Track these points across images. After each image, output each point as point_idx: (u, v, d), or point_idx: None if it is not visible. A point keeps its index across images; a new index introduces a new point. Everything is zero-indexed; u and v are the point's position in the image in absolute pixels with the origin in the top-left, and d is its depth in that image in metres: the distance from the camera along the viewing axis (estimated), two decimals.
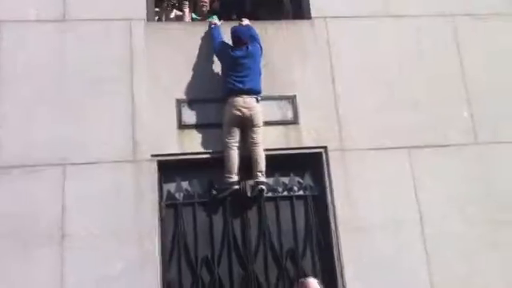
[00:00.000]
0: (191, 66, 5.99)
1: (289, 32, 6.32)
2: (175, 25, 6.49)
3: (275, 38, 6.25)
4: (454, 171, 5.96)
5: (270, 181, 5.83)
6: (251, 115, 5.67)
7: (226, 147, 5.65)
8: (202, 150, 5.72)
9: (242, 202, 5.71)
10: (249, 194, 5.68)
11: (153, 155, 5.62)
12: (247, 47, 5.87)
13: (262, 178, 5.59)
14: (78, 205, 5.35)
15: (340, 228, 5.63)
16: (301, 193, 5.85)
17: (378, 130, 6.02)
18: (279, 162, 5.84)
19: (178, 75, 5.92)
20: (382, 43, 6.35)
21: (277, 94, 6.04)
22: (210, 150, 5.75)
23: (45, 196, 5.34)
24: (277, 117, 5.98)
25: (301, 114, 6.00)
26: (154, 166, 5.59)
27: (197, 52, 6.06)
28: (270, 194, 5.79)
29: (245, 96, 5.70)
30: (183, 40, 6.09)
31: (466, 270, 5.62)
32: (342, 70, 6.21)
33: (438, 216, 5.79)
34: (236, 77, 5.72)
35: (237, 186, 5.60)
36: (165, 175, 5.67)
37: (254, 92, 5.77)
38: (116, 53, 5.91)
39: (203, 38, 6.12)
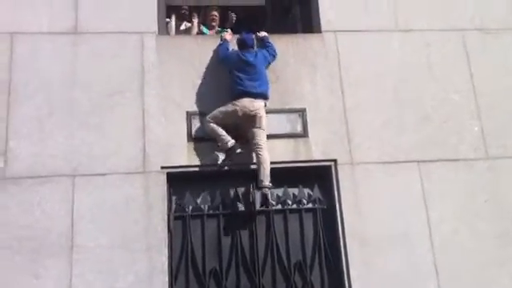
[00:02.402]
0: (202, 79, 6.03)
1: (299, 46, 6.35)
2: (187, 38, 6.54)
3: (286, 52, 6.28)
4: (463, 186, 5.95)
5: (280, 192, 5.85)
6: (256, 115, 5.65)
7: (206, 124, 5.70)
8: (210, 162, 5.74)
9: (250, 215, 5.71)
10: (257, 207, 5.64)
11: (163, 167, 5.65)
12: (256, 52, 5.95)
13: (267, 183, 5.55)
14: (87, 216, 5.39)
15: (348, 241, 5.62)
16: (310, 205, 5.86)
17: (388, 144, 6.03)
18: (288, 175, 5.86)
19: (189, 88, 5.97)
20: (391, 57, 6.37)
21: (286, 107, 6.07)
22: (219, 163, 5.75)
23: (55, 207, 5.38)
24: (286, 130, 6.00)
25: (310, 127, 6.02)
26: (164, 177, 5.62)
27: (208, 65, 6.09)
28: (279, 207, 5.81)
29: (253, 99, 5.71)
30: (195, 53, 6.13)
31: (474, 284, 5.60)
32: (352, 84, 6.22)
33: (447, 231, 5.77)
34: (247, 80, 5.75)
35: (233, 141, 5.63)
36: (174, 187, 5.70)
37: (264, 96, 5.81)
38: (127, 66, 5.96)
39: (214, 51, 6.15)
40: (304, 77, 6.21)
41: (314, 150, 5.94)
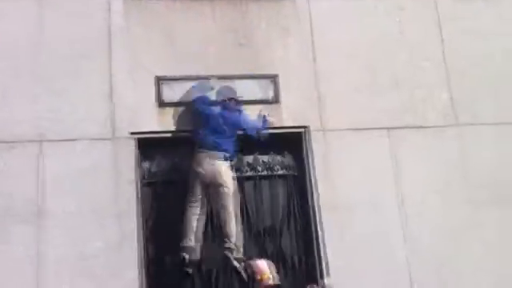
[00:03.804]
0: (171, 43, 5.90)
1: (271, 9, 6.23)
2: (155, 0, 6.35)
3: (257, 17, 6.17)
4: (433, 152, 5.98)
5: (250, 159, 5.81)
6: (214, 173, 5.28)
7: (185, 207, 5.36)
8: (181, 127, 5.66)
9: None
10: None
11: (132, 133, 5.55)
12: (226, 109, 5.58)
13: (228, 245, 5.21)
14: (55, 182, 5.28)
15: (320, 207, 5.63)
16: (281, 172, 5.84)
17: (359, 110, 6.01)
18: (260, 142, 5.78)
19: (158, 52, 5.84)
20: (364, 22, 6.30)
21: (258, 73, 5.98)
22: (190, 128, 5.67)
23: (22, 173, 5.25)
24: (258, 96, 5.94)
25: (282, 93, 5.95)
26: (133, 143, 5.53)
27: (177, 29, 5.96)
28: (250, 173, 5.78)
29: (210, 152, 5.36)
30: (163, 16, 5.98)
31: (446, 250, 5.67)
32: (324, 49, 6.16)
33: (417, 196, 5.81)
34: (206, 131, 5.43)
35: (193, 254, 5.26)
36: (143, 153, 5.61)
37: (222, 149, 5.39)
38: (94, 29, 5.79)
39: (183, 14, 6.01)
40: (276, 41, 6.12)
41: (286, 117, 5.90)
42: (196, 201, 5.33)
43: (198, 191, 5.33)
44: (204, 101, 5.61)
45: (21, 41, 5.64)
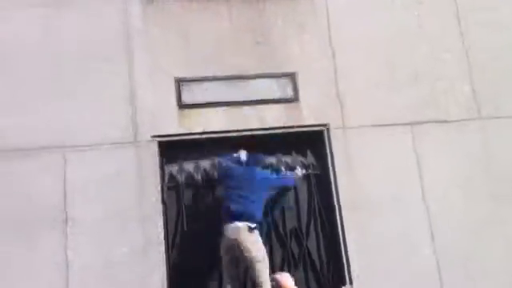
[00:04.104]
0: (189, 44, 5.86)
1: (287, 7, 6.17)
2: (171, 2, 6.30)
3: (273, 14, 6.12)
4: (456, 146, 5.92)
5: (272, 160, 5.77)
6: (242, 248, 4.85)
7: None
8: (202, 129, 5.64)
9: None
10: None
11: (153, 136, 5.53)
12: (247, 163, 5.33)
13: None
14: (79, 188, 5.27)
15: (343, 206, 5.60)
16: (303, 171, 5.78)
17: (380, 106, 5.95)
18: (280, 141, 5.78)
19: (176, 54, 5.81)
20: (381, 16, 6.23)
21: (276, 71, 5.94)
22: (211, 129, 5.66)
23: (46, 180, 5.26)
24: (276, 95, 5.89)
25: (301, 91, 5.91)
26: (155, 146, 5.51)
27: (194, 29, 5.92)
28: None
29: (233, 224, 4.95)
30: (181, 17, 5.94)
31: (470, 246, 5.62)
32: (342, 45, 6.10)
33: (440, 192, 5.75)
34: (229, 196, 5.11)
35: None
36: (166, 156, 5.59)
37: (247, 218, 4.97)
38: (112, 32, 5.77)
39: (200, 15, 5.97)
40: (293, 39, 6.06)
41: (306, 115, 5.85)
42: (232, 279, 5.01)
43: (231, 268, 5.00)
44: (229, 159, 5.40)
45: (41, 46, 5.63)
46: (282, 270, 5.37)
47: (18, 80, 5.52)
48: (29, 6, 5.72)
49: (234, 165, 5.32)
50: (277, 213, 5.65)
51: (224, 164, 5.39)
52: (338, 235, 5.55)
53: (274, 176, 5.44)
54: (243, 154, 5.42)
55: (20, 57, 5.59)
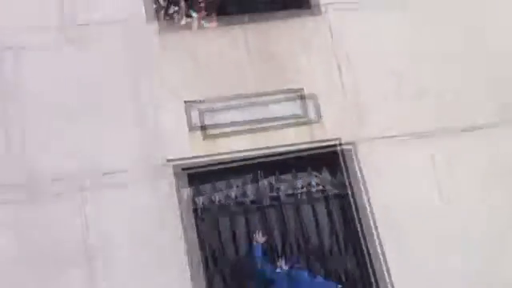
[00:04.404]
0: (198, 69, 5.84)
1: (292, 24, 6.17)
2: (186, 32, 6.25)
3: (279, 32, 6.11)
4: (479, 152, 5.86)
5: (289, 177, 5.73)
6: None
7: None
8: (218, 152, 5.59)
9: (262, 203, 5.64)
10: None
11: (168, 160, 5.49)
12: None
13: None
14: (101, 224, 5.22)
15: (364, 220, 5.53)
16: (321, 188, 5.75)
17: (392, 118, 5.91)
18: (296, 159, 5.72)
19: (190, 79, 5.78)
20: (387, 29, 6.20)
21: (286, 88, 5.90)
22: (224, 151, 5.61)
23: (67, 217, 5.19)
24: (295, 115, 5.85)
25: (320, 110, 5.87)
26: (170, 170, 5.46)
27: (204, 54, 5.91)
28: (289, 192, 5.69)
29: None
30: (190, 43, 5.95)
31: (497, 252, 5.57)
32: (350, 59, 6.08)
33: (466, 200, 5.69)
34: None
35: None
36: (182, 179, 5.51)
37: None
38: (122, 59, 5.74)
39: (214, 43, 5.97)
40: (305, 61, 6.04)
41: (326, 133, 5.80)
42: None
43: None
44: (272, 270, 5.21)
45: (47, 81, 5.57)
46: None
47: (36, 118, 5.48)
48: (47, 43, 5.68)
49: (277, 275, 5.16)
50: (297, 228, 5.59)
51: (268, 276, 5.17)
52: (363, 250, 5.49)
53: (320, 280, 5.28)
54: (283, 264, 5.24)
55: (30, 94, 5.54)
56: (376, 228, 5.51)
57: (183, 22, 6.57)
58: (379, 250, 5.45)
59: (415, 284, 5.36)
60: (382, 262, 5.41)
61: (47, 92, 5.53)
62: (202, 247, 5.40)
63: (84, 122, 5.48)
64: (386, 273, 5.39)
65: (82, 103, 5.53)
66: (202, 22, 6.61)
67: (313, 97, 5.92)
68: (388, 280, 5.39)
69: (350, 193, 5.67)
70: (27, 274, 5.00)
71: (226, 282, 5.39)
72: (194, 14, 6.68)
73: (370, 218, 5.55)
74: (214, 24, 6.48)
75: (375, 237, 5.49)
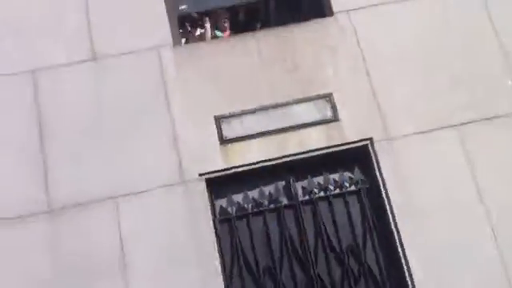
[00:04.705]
0: (222, 82, 6.01)
1: (314, 31, 6.27)
2: (201, 44, 6.54)
3: (303, 40, 6.22)
4: (505, 142, 5.76)
5: (320, 180, 5.80)
6: None
7: None
8: (246, 161, 5.72)
9: (294, 207, 5.70)
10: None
11: (200, 174, 5.65)
12: None
13: None
14: (135, 235, 5.41)
15: (397, 216, 5.51)
16: (353, 188, 5.78)
17: (422, 113, 5.89)
18: (326, 161, 5.80)
19: (212, 93, 5.95)
20: (408, 25, 6.22)
21: (313, 94, 5.99)
22: (254, 161, 5.74)
23: (102, 231, 5.42)
24: (316, 117, 5.93)
25: (340, 110, 5.93)
26: (203, 184, 5.62)
27: (225, 67, 6.07)
28: (322, 194, 5.76)
29: None
30: (211, 57, 6.12)
31: None
32: (374, 59, 6.11)
33: (497, 190, 5.58)
34: None
35: None
36: (215, 192, 5.70)
37: None
38: (149, 82, 5.99)
39: (230, 52, 6.14)
40: (325, 62, 6.12)
41: (348, 132, 5.85)
42: None
43: None
44: None
45: (81, 107, 5.89)
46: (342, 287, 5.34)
47: (67, 140, 5.78)
48: (69, 68, 6.03)
49: None
50: (331, 231, 5.63)
51: None
52: (397, 247, 5.45)
53: None
54: None
55: (67, 119, 5.87)
56: (395, 222, 5.50)
57: (197, 33, 6.85)
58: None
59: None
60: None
61: (82, 116, 5.86)
62: (237, 256, 5.54)
63: (117, 145, 5.75)
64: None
65: (114, 127, 5.83)
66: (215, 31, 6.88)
67: (339, 98, 5.98)
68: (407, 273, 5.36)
69: (383, 190, 5.66)
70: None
71: None
72: (220, 34, 6.95)
73: (389, 213, 5.53)
74: (226, 33, 6.72)
75: (394, 230, 5.48)
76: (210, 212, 5.54)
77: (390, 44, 6.17)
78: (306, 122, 5.89)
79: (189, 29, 6.91)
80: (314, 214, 5.69)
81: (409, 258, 5.38)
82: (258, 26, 6.91)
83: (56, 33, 6.17)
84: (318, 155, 5.78)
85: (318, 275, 5.44)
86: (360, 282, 5.47)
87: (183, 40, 6.65)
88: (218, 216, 5.63)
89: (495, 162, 5.70)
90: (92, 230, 5.41)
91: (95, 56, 6.11)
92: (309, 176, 5.80)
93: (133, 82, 5.98)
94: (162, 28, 6.23)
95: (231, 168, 5.72)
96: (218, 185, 5.68)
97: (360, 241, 5.60)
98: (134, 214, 5.49)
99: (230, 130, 5.85)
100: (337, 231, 5.63)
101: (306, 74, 6.07)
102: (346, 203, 5.73)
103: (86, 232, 5.40)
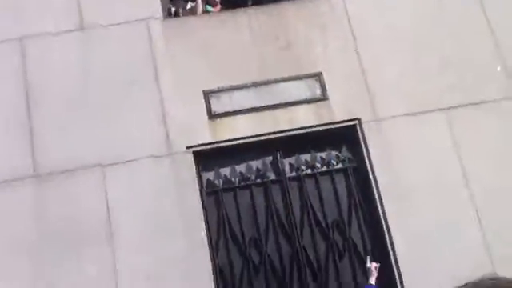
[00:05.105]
0: (212, 57, 5.98)
1: (306, 10, 6.26)
2: (191, 18, 6.49)
3: (294, 17, 6.20)
4: (492, 127, 5.81)
5: (308, 157, 5.80)
6: None
7: None
8: (234, 136, 5.71)
9: (281, 182, 5.70)
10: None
11: (188, 147, 5.63)
12: None
13: None
14: (122, 203, 5.40)
15: (383, 195, 5.55)
16: (340, 166, 5.80)
17: (410, 95, 5.92)
18: (314, 139, 5.80)
19: (201, 67, 5.92)
20: (401, 5, 6.22)
21: (303, 73, 5.98)
22: (242, 135, 5.74)
23: (89, 198, 5.40)
24: (306, 95, 5.93)
25: (329, 89, 5.93)
26: (191, 157, 5.61)
27: (215, 42, 6.04)
28: (309, 171, 5.76)
29: None
30: (201, 32, 6.09)
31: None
32: (364, 39, 6.12)
33: (482, 174, 5.62)
34: None
35: None
36: (202, 165, 5.68)
37: None
38: (138, 54, 5.95)
39: (220, 28, 6.11)
40: (316, 40, 6.12)
41: (337, 112, 5.87)
42: None
43: None
44: None
45: (69, 76, 5.83)
46: (326, 261, 5.35)
47: (56, 109, 5.72)
48: (58, 37, 5.95)
49: None
50: (317, 206, 5.64)
51: None
52: (381, 224, 5.49)
53: None
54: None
55: (55, 88, 5.81)
56: (381, 201, 5.53)
57: (188, 6, 6.80)
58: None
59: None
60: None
61: (70, 85, 5.78)
62: (223, 228, 5.53)
63: (106, 115, 5.69)
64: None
65: (103, 96, 5.77)
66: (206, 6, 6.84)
67: (329, 77, 5.98)
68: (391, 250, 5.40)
69: (370, 169, 5.69)
70: (47, 253, 5.20)
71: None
72: (210, 9, 6.90)
73: (375, 191, 5.57)
74: (217, 8, 6.69)
75: (380, 209, 5.52)
76: (197, 184, 5.54)
77: (382, 24, 6.18)
78: (295, 99, 5.89)
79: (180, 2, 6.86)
80: (301, 189, 5.71)
81: (393, 234, 5.42)
82: (250, 2, 6.87)
83: (45, 1, 6.08)
84: (306, 133, 5.79)
85: (303, 248, 5.47)
86: (344, 256, 5.51)
87: (173, 13, 6.60)
88: (204, 188, 5.62)
89: (481, 146, 5.75)
90: (79, 197, 5.38)
91: (84, 26, 6.05)
92: (296, 153, 5.80)
93: (121, 54, 5.94)
94: (153, 0, 6.17)
95: (219, 142, 5.71)
96: (206, 158, 5.67)
97: (345, 217, 5.64)
98: (121, 182, 5.47)
99: (218, 105, 5.83)
100: (322, 207, 5.66)
101: (297, 51, 6.06)
102: (333, 181, 5.76)
103: (73, 199, 5.37)
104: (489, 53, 6.14)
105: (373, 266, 4.86)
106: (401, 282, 5.29)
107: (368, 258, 5.03)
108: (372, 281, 4.81)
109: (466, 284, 1.24)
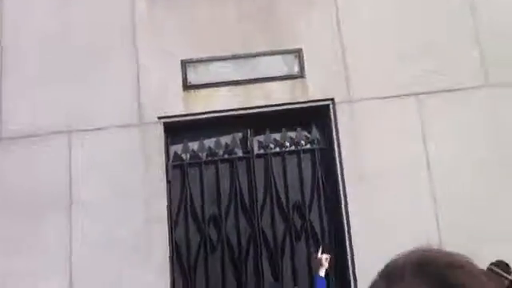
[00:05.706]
0: (193, 27, 5.97)
1: None
2: None
3: None
4: (464, 116, 5.83)
5: (277, 136, 5.86)
6: None
7: None
8: (207, 109, 5.75)
9: (248, 159, 5.78)
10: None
11: (159, 117, 5.68)
12: None
13: None
14: (85, 171, 5.47)
15: (347, 179, 5.62)
16: (308, 147, 5.86)
17: (385, 79, 5.92)
18: (286, 117, 5.84)
19: (181, 36, 5.91)
20: None
21: (282, 48, 5.98)
22: (216, 109, 5.77)
23: (52, 164, 5.46)
24: (283, 71, 5.94)
25: (307, 67, 5.94)
26: (161, 128, 5.67)
27: (198, 12, 6.02)
28: (277, 149, 5.84)
29: None
30: (185, 2, 6.04)
31: (476, 216, 5.52)
32: (348, 19, 6.08)
33: (447, 162, 5.68)
34: None
35: None
36: (171, 137, 5.75)
37: None
38: (118, 19, 5.94)
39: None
40: (300, 16, 6.08)
41: (312, 90, 5.89)
42: None
43: None
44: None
45: (45, 35, 5.82)
46: (283, 242, 5.51)
47: (27, 69, 5.75)
48: None
49: None
50: (281, 187, 5.75)
51: None
52: (342, 208, 5.58)
53: None
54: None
55: (29, 46, 5.82)
56: (344, 184, 5.61)
57: None
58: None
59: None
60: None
61: (46, 48, 5.80)
62: (185, 203, 5.64)
63: (77, 78, 5.71)
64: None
65: (73, 61, 5.78)
66: None
67: (308, 55, 5.97)
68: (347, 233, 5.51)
69: (337, 152, 5.76)
70: (4, 218, 5.31)
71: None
72: None
73: (339, 174, 5.64)
74: None
75: (342, 192, 5.61)
76: (164, 156, 5.61)
77: (367, 6, 6.11)
78: (272, 75, 5.90)
79: None
80: (267, 168, 5.78)
81: (351, 218, 5.51)
82: None
83: None
84: (278, 110, 5.82)
85: (262, 228, 5.59)
86: (301, 237, 5.62)
87: None
88: (171, 161, 5.70)
89: (448, 132, 5.77)
90: (42, 163, 5.44)
91: None
92: (267, 130, 5.85)
93: (102, 18, 5.92)
94: None
95: (191, 115, 5.76)
96: (176, 130, 5.73)
97: (307, 198, 5.73)
98: (86, 150, 5.53)
99: (195, 75, 5.85)
100: (286, 187, 5.75)
101: (280, 26, 6.04)
102: (300, 161, 5.83)
103: (36, 165, 5.44)
104: (468, 40, 6.10)
105: (323, 257, 4.66)
106: (353, 266, 5.41)
107: (320, 249, 4.91)
108: (322, 273, 4.60)
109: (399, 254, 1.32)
